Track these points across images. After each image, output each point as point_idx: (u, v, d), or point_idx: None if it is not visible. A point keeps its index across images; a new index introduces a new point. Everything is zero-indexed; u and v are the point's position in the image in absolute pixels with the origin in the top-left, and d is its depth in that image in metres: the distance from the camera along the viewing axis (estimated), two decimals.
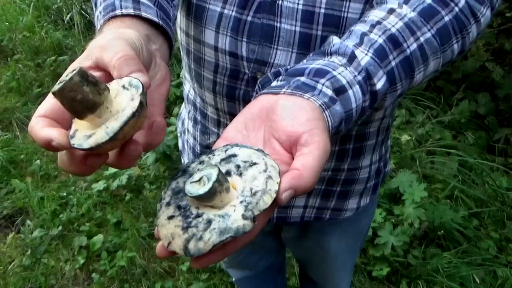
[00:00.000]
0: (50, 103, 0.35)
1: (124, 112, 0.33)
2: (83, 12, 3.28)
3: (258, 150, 0.39)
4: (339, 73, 0.43)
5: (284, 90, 0.41)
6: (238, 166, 0.39)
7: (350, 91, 0.42)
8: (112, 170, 2.08)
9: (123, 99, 0.34)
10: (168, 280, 1.68)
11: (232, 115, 0.64)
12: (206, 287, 1.63)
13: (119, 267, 1.71)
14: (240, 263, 1.13)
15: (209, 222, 0.35)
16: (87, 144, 0.32)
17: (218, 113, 0.67)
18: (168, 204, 0.38)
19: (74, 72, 0.32)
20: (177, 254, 0.36)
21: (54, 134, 0.32)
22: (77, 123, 0.34)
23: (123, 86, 0.34)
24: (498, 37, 2.32)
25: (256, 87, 0.47)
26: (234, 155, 0.40)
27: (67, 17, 3.37)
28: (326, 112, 0.40)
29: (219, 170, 0.36)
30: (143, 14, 0.43)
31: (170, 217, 0.37)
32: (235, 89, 0.61)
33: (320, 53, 0.47)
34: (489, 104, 2.29)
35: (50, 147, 0.32)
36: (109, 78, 0.36)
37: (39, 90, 2.84)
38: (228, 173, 0.39)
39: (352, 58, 0.44)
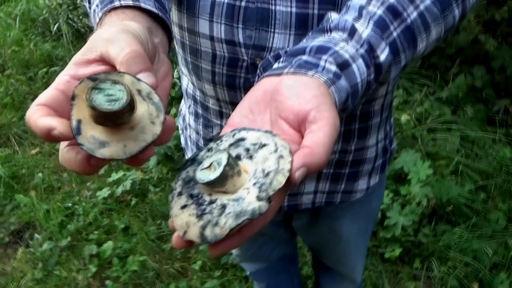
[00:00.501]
0: (51, 93, 0.33)
1: (145, 136, 0.33)
2: (70, 21, 3.26)
3: (266, 131, 0.39)
4: (341, 48, 0.42)
5: (286, 70, 0.40)
6: (247, 150, 0.38)
7: (354, 65, 0.41)
8: (115, 176, 2.08)
9: (142, 111, 0.33)
10: (182, 281, 1.68)
11: (234, 104, 0.63)
12: (220, 284, 1.63)
13: (132, 272, 1.71)
14: (253, 256, 1.12)
15: (223, 207, 0.34)
16: (100, 154, 0.32)
17: (220, 104, 0.66)
18: (179, 194, 0.37)
19: (126, 99, 0.31)
20: (194, 243, 0.35)
21: (55, 123, 0.30)
22: (78, 110, 0.32)
23: (139, 92, 0.34)
24: (488, 8, 2.31)
25: (258, 71, 0.46)
26: (242, 139, 0.39)
27: (55, 28, 3.34)
28: (331, 87, 0.39)
29: (229, 154, 0.36)
30: (142, 5, 0.42)
31: (183, 207, 0.36)
32: (235, 77, 0.60)
33: (319, 31, 0.46)
34: (485, 77, 2.29)
35: (50, 137, 0.30)
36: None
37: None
38: (238, 157, 0.38)
39: (352, 32, 0.43)
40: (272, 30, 0.55)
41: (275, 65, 0.43)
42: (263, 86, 0.41)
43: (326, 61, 0.41)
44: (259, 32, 0.56)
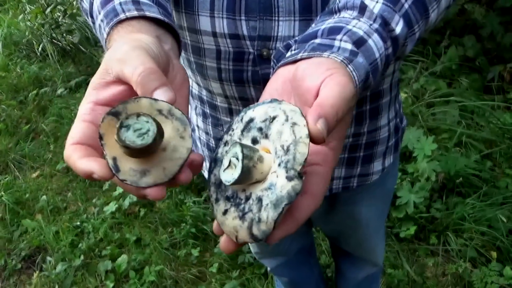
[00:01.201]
0: (80, 127, 0.34)
1: (179, 153, 0.34)
2: (54, 40, 3.23)
3: (271, 101, 0.36)
4: (354, 26, 0.41)
5: (300, 55, 0.39)
6: (260, 129, 0.36)
7: (370, 41, 0.40)
8: (119, 190, 2.06)
9: (169, 130, 0.34)
10: (200, 285, 1.67)
11: (243, 99, 0.63)
12: (240, 284, 1.62)
13: (150, 282, 1.70)
14: (273, 251, 1.12)
15: (259, 200, 0.33)
16: (145, 183, 0.33)
17: (229, 101, 0.65)
18: (217, 200, 0.36)
19: (155, 130, 0.31)
20: (247, 243, 0.34)
21: (95, 167, 0.31)
22: (110, 148, 0.33)
23: (160, 112, 0.34)
24: None
25: (272, 63, 0.45)
26: (251, 120, 0.37)
27: (39, 49, 3.31)
28: (349, 66, 0.38)
29: (242, 145, 0.34)
30: (147, 14, 0.42)
31: (225, 212, 0.35)
32: (242, 71, 0.59)
33: (327, 13, 0.45)
34: (476, 46, 2.28)
35: (92, 179, 0.32)
36: (133, 91, 0.35)
37: (27, 127, 2.80)
38: (254, 141, 0.36)
39: (362, 8, 0.42)
40: (277, 18, 0.54)
41: (288, 54, 0.43)
42: (281, 76, 0.40)
43: (341, 40, 0.40)
44: (263, 22, 0.54)
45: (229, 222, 0.34)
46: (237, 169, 0.33)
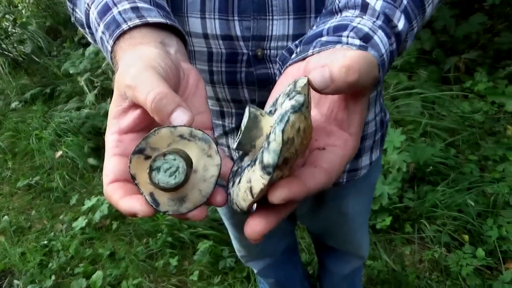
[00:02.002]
0: (113, 164, 0.35)
1: (210, 172, 0.35)
2: (4, 52, 3.06)
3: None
4: (358, 23, 0.41)
5: (311, 51, 0.39)
6: (269, 112, 0.37)
7: (375, 37, 0.41)
8: (88, 203, 1.99)
9: (195, 152, 0.35)
10: None
11: (236, 101, 0.61)
12: None
13: None
14: (260, 252, 1.11)
15: (267, 137, 0.31)
16: (186, 208, 0.34)
17: (220, 104, 0.64)
18: (234, 183, 0.35)
19: (185, 166, 0.32)
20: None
21: (137, 206, 0.32)
22: (144, 185, 0.34)
23: (182, 137, 0.35)
24: None
25: (278, 66, 0.44)
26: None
27: None
28: None
29: (250, 106, 0.35)
30: (149, 19, 0.41)
31: (239, 181, 0.34)
32: (236, 73, 0.58)
33: (327, 14, 0.45)
34: (431, 39, 2.38)
35: (135, 216, 0.33)
36: (149, 114, 0.35)
37: None
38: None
39: (364, 6, 0.42)
40: (271, 17, 0.53)
41: (294, 55, 0.42)
42: (290, 74, 0.40)
43: (347, 37, 0.40)
44: (257, 21, 0.54)
45: (243, 181, 0.33)
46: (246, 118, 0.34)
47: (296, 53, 0.42)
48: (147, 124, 0.37)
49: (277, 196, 0.30)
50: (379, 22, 0.42)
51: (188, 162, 0.33)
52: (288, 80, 0.39)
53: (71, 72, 2.55)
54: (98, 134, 2.44)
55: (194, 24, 0.55)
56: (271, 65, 0.56)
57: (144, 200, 0.33)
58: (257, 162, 0.31)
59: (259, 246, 1.06)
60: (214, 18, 0.54)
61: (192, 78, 0.40)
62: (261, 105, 0.60)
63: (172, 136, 0.34)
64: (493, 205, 1.58)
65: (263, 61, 0.56)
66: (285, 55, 0.44)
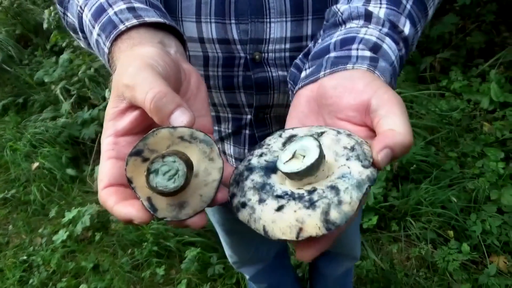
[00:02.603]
0: (108, 167, 0.33)
1: (212, 175, 0.33)
2: None
3: (311, 128, 0.37)
4: (365, 34, 0.41)
5: (322, 73, 0.39)
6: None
7: (384, 45, 0.41)
8: (69, 215, 1.93)
9: (196, 155, 0.33)
10: None
11: (233, 106, 0.60)
12: None
13: None
14: (253, 258, 1.10)
15: (333, 188, 0.31)
16: (185, 215, 0.32)
17: (217, 109, 0.62)
18: (261, 200, 0.33)
19: (185, 168, 0.30)
20: (313, 237, 0.31)
21: (133, 212, 0.31)
22: (142, 189, 0.32)
23: (182, 138, 0.33)
24: None
25: (289, 85, 0.44)
26: (293, 135, 0.37)
27: None
28: (376, 72, 0.38)
29: (314, 136, 0.33)
30: (147, 19, 0.40)
31: (280, 208, 0.32)
32: (233, 77, 0.57)
33: (331, 27, 0.45)
34: None
35: (131, 224, 0.31)
36: (148, 114, 0.34)
37: None
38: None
39: (368, 15, 0.43)
40: (268, 19, 0.52)
41: (303, 74, 0.42)
42: (305, 97, 0.40)
43: (357, 49, 0.39)
44: (254, 24, 0.53)
45: (290, 215, 0.31)
46: (310, 156, 0.32)
47: (305, 70, 0.42)
48: (145, 126, 0.35)
49: (309, 256, 0.32)
50: (385, 30, 0.42)
51: (189, 165, 0.31)
52: (301, 103, 0.40)
53: (45, 80, 2.48)
54: (76, 143, 2.38)
55: (189, 28, 0.54)
56: (269, 69, 0.56)
57: (141, 205, 0.31)
58: (317, 209, 0.31)
59: (251, 252, 1.05)
60: (210, 22, 0.53)
61: (194, 80, 0.39)
62: (259, 109, 0.59)
63: (172, 137, 0.32)
64: (474, 200, 1.61)
65: (260, 65, 0.55)
66: (295, 73, 0.44)
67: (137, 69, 0.33)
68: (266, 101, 0.58)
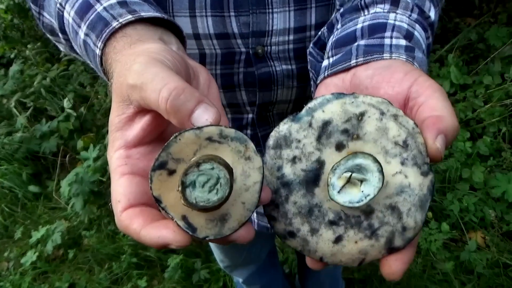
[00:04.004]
0: (124, 185, 0.28)
1: (252, 178, 0.28)
2: None
3: (337, 96, 0.31)
4: (394, 20, 0.38)
5: (354, 61, 0.35)
6: (345, 131, 0.31)
7: (416, 33, 0.38)
8: (37, 235, 1.81)
9: (228, 157, 0.28)
10: None
11: (233, 106, 0.57)
12: None
13: None
14: (245, 260, 1.07)
15: (393, 208, 0.29)
16: (229, 229, 0.28)
17: None
18: (314, 231, 0.30)
19: (227, 174, 0.26)
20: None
21: (168, 236, 0.26)
22: (174, 207, 0.27)
23: (211, 139, 0.28)
24: None
25: (311, 75, 0.41)
26: (328, 123, 0.31)
27: None
28: (415, 64, 0.36)
29: (369, 156, 0.29)
30: (143, 14, 0.35)
31: (338, 239, 0.29)
32: (233, 75, 0.53)
33: (351, 11, 0.42)
34: None
35: (166, 248, 0.27)
36: (162, 116, 0.29)
37: None
38: (340, 146, 0.31)
39: (395, 0, 0.40)
40: (270, 9, 0.49)
41: (326, 62, 0.38)
42: (333, 86, 0.36)
43: (391, 37, 0.37)
44: (256, 15, 0.49)
45: (351, 248, 0.29)
46: (371, 184, 0.28)
47: (328, 58, 0.39)
48: (159, 132, 0.31)
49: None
50: (414, 16, 0.39)
51: (230, 170, 0.26)
52: (331, 92, 0.36)
53: None
54: (36, 158, 2.25)
55: (183, 24, 0.49)
56: (272, 63, 0.53)
57: (175, 226, 0.27)
58: (381, 239, 0.29)
59: (244, 254, 1.02)
60: (206, 16, 0.49)
61: (203, 77, 0.35)
62: (262, 107, 0.56)
63: (199, 140, 0.27)
64: (448, 180, 1.66)
65: (264, 59, 0.52)
66: (314, 61, 0.40)
67: (144, 66, 0.29)
68: (269, 98, 0.55)
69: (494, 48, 1.97)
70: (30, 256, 1.78)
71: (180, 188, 0.25)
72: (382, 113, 0.30)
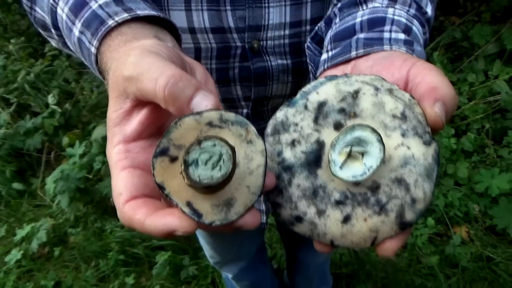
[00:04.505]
0: (125, 178, 0.28)
1: (256, 161, 0.28)
2: None
3: (331, 78, 0.31)
4: (393, 14, 0.39)
5: (354, 53, 0.36)
6: (342, 110, 0.31)
7: (414, 28, 0.39)
8: (21, 233, 1.79)
9: (230, 141, 0.27)
10: None
11: (228, 101, 0.57)
12: None
13: None
14: (235, 256, 1.07)
15: (400, 181, 0.28)
16: (235, 214, 0.27)
17: None
18: (321, 213, 0.30)
19: (229, 152, 0.25)
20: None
21: (174, 222, 0.26)
22: (178, 194, 0.27)
23: (211, 124, 0.27)
24: None
25: (310, 68, 0.41)
26: (323, 103, 0.31)
27: None
28: (413, 56, 0.36)
29: (368, 127, 0.28)
30: (139, 12, 0.35)
31: (346, 219, 0.29)
32: (228, 69, 0.53)
33: (350, 6, 0.42)
34: None
35: (172, 236, 0.26)
36: (162, 108, 0.28)
37: None
38: (339, 125, 0.31)
39: None
40: (267, 4, 0.49)
41: (325, 56, 0.39)
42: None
43: (390, 31, 0.37)
44: (252, 10, 0.49)
45: (361, 226, 0.29)
46: (372, 155, 0.28)
47: (327, 51, 0.39)
48: (158, 125, 0.31)
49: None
50: (412, 11, 0.40)
51: (232, 147, 0.26)
52: None
53: None
54: (20, 155, 2.21)
55: (178, 18, 0.49)
56: (268, 58, 0.53)
57: (180, 212, 0.26)
58: (391, 214, 0.28)
59: (234, 250, 1.02)
60: (202, 10, 0.48)
61: (199, 73, 0.35)
62: (257, 102, 0.56)
63: (199, 125, 0.27)
64: None
65: (259, 54, 0.52)
66: (312, 55, 0.40)
67: (139, 57, 0.29)
68: (265, 92, 0.55)
69: (478, 46, 2.00)
70: (15, 255, 1.75)
71: (183, 167, 0.25)
72: (377, 89, 0.30)
